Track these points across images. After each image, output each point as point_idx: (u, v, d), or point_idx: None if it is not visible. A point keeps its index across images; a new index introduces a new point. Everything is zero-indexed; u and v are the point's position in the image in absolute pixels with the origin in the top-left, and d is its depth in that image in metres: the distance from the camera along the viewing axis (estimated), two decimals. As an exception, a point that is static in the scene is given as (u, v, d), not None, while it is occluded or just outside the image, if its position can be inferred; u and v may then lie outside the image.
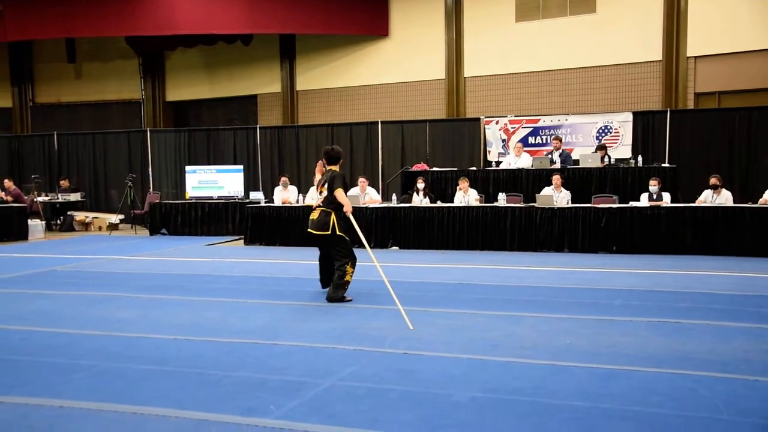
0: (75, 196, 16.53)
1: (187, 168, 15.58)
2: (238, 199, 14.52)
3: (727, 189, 10.89)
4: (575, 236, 10.77)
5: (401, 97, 17.74)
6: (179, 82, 20.71)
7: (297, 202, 12.83)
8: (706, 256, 9.98)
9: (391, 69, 17.75)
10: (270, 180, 16.38)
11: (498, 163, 13.71)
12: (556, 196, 11.26)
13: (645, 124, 13.89)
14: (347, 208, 6.90)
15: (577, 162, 12.68)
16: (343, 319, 6.11)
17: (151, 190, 17.06)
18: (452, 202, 11.93)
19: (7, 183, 15.03)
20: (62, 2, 17.37)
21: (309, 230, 7.03)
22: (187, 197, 15.00)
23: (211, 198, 14.68)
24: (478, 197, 11.85)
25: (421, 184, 12.14)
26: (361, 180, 12.55)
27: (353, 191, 12.49)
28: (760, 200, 10.46)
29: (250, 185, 15.79)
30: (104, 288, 7.91)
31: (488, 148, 14.97)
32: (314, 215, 7.00)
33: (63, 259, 10.63)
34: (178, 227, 14.38)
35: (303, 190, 13.39)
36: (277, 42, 18.97)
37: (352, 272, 6.90)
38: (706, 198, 10.78)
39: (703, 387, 4.07)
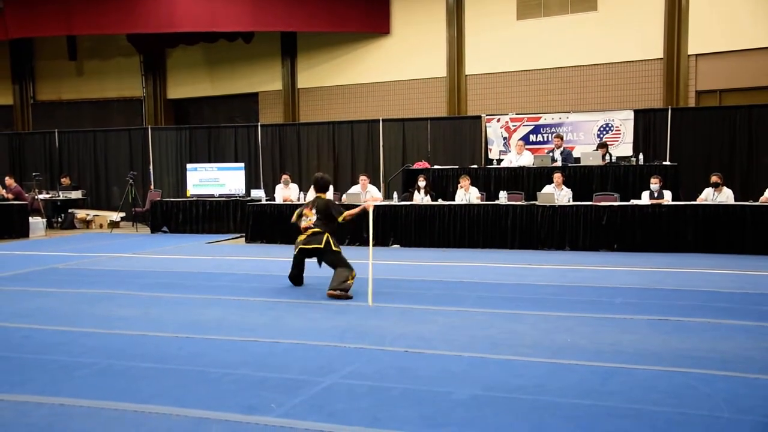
0: (76, 194, 16.54)
1: (188, 166, 15.59)
2: (240, 197, 14.53)
3: (728, 187, 10.89)
4: (576, 234, 10.77)
5: (402, 95, 17.74)
6: (180, 79, 20.71)
7: (298, 200, 12.84)
8: (707, 254, 9.98)
9: (393, 67, 17.75)
10: (271, 178, 16.39)
11: (499, 161, 13.71)
12: (558, 194, 11.26)
13: (646, 122, 13.89)
14: (366, 207, 7.51)
15: (578, 160, 12.68)
16: (343, 317, 6.12)
17: (152, 187, 17.06)
18: (453, 200, 11.93)
19: (8, 180, 15.05)
20: (63, -1, 17.40)
21: (301, 247, 7.30)
22: (188, 195, 15.00)
23: (212, 196, 14.69)
24: (479, 195, 11.85)
25: (422, 182, 12.14)
26: (362, 178, 12.55)
27: (354, 189, 12.50)
28: (761, 198, 10.45)
29: (251, 183, 15.81)
30: (105, 286, 7.91)
31: (489, 146, 14.97)
32: (303, 236, 7.33)
33: (64, 257, 10.64)
34: (179, 225, 14.39)
35: (304, 188, 13.39)
36: (279, 39, 18.97)
37: (353, 280, 7.05)
38: (707, 196, 10.78)
39: (703, 385, 4.07)
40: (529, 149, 13.53)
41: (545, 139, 14.43)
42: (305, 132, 16.79)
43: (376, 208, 11.68)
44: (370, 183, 12.67)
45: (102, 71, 21.12)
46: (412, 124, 15.84)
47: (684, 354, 4.75)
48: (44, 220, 15.07)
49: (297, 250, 7.41)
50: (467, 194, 11.80)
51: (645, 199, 10.84)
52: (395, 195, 12.27)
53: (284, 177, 13.51)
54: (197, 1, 17.30)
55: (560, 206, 10.89)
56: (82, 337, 5.47)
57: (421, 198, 12.02)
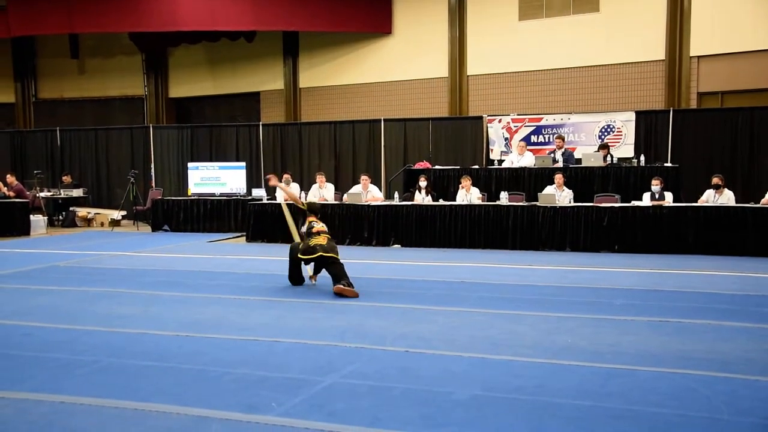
0: (77, 192, 16.53)
1: (190, 164, 15.59)
2: (241, 196, 14.53)
3: (729, 189, 10.87)
4: (577, 235, 10.76)
5: (404, 95, 17.73)
6: (182, 78, 20.71)
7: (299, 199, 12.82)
8: (708, 255, 9.97)
9: (395, 67, 17.74)
10: (272, 177, 16.36)
11: (500, 161, 13.70)
12: (559, 195, 11.25)
13: (648, 124, 13.87)
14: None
15: (579, 161, 12.67)
16: (344, 316, 6.12)
17: (153, 186, 17.06)
18: (454, 200, 11.92)
19: (10, 178, 15.05)
20: (66, -2, 17.41)
21: (322, 254, 7.30)
22: (189, 194, 15.01)
23: (213, 195, 14.69)
24: (480, 196, 11.84)
25: (423, 183, 12.14)
26: (364, 178, 12.56)
27: (355, 189, 12.50)
28: (762, 200, 10.43)
29: (252, 182, 15.79)
30: (106, 284, 7.92)
31: (491, 147, 14.96)
32: (322, 240, 7.39)
33: (65, 255, 10.64)
34: (180, 224, 14.39)
35: (305, 187, 13.39)
36: (281, 39, 18.96)
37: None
38: (709, 198, 10.77)
39: (703, 386, 4.07)
40: (530, 150, 13.52)
41: (546, 140, 14.42)
42: (307, 131, 16.78)
43: (377, 207, 11.73)
44: (371, 183, 12.67)
45: (104, 70, 21.12)
46: (413, 124, 15.83)
47: (684, 355, 4.75)
48: (45, 218, 15.07)
49: (310, 256, 7.38)
50: (468, 195, 11.79)
51: (646, 200, 10.83)
52: (396, 195, 12.27)
53: (285, 176, 13.49)
54: (199, 0, 17.30)
55: (561, 207, 10.89)
56: (82, 335, 5.48)
57: (422, 198, 12.02)
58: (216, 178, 14.96)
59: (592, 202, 11.27)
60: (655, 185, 10.87)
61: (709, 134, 13.43)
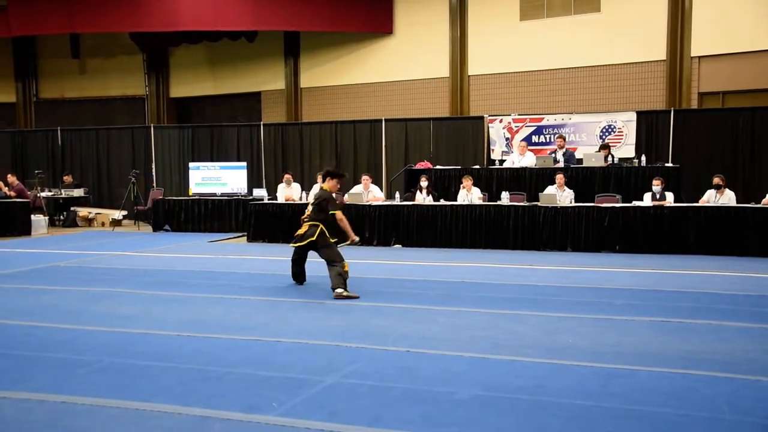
0: (78, 192, 16.54)
1: (191, 164, 15.60)
2: (242, 196, 14.54)
3: (730, 189, 10.86)
4: (578, 235, 10.76)
5: (405, 95, 17.73)
6: (183, 78, 20.72)
7: (300, 199, 12.84)
8: (709, 255, 9.97)
9: (395, 67, 17.74)
10: (273, 177, 16.37)
11: (501, 161, 13.70)
12: (560, 195, 11.25)
13: (649, 124, 13.87)
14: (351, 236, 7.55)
15: (580, 161, 12.66)
16: (345, 316, 6.12)
17: (154, 186, 17.07)
18: (455, 200, 11.92)
19: (11, 178, 15.07)
20: (67, -2, 17.42)
21: (295, 244, 7.44)
22: (190, 194, 15.01)
23: (214, 195, 14.69)
24: (481, 196, 11.84)
25: (424, 182, 12.14)
26: (365, 178, 12.56)
27: (356, 189, 12.50)
28: (763, 200, 10.43)
29: (253, 182, 15.80)
30: (107, 284, 7.93)
31: (492, 147, 14.95)
32: (301, 231, 7.41)
33: (66, 255, 10.65)
34: (181, 224, 14.39)
35: (306, 187, 13.39)
36: (282, 39, 18.96)
37: (347, 268, 7.06)
38: (710, 198, 10.76)
39: (704, 386, 4.08)
40: (531, 150, 13.51)
41: (548, 140, 14.41)
42: (308, 131, 16.78)
43: (378, 207, 11.73)
44: (372, 183, 12.67)
45: (105, 69, 21.13)
46: (414, 124, 15.82)
47: (685, 356, 4.75)
48: (46, 217, 15.08)
49: (294, 245, 7.48)
50: (469, 194, 11.79)
51: (647, 200, 10.82)
52: (397, 195, 12.27)
53: (286, 176, 13.51)
54: (200, 0, 17.30)
55: (562, 207, 10.89)
56: (83, 334, 5.49)
57: (423, 198, 12.02)
58: (217, 178, 14.97)
59: (593, 202, 11.27)
60: (656, 185, 10.87)
61: (710, 134, 13.42)
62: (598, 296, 7.04)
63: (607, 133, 14.01)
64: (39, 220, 14.57)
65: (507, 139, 14.79)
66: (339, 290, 6.85)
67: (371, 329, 5.61)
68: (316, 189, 12.69)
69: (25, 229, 13.97)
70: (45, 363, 4.68)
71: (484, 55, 16.84)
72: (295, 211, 12.25)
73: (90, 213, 16.55)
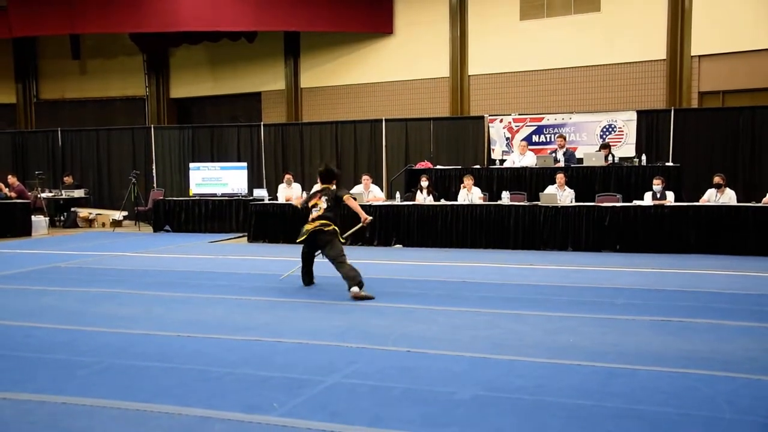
0: (78, 193, 16.55)
1: (191, 165, 15.61)
2: (242, 196, 14.54)
3: (730, 188, 10.86)
4: (579, 235, 10.76)
5: (405, 95, 17.73)
6: (183, 79, 20.73)
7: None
8: (710, 255, 9.97)
9: (396, 67, 17.75)
10: (274, 177, 16.38)
11: (502, 161, 13.70)
12: (560, 194, 11.25)
13: (649, 123, 13.87)
14: (366, 219, 7.61)
15: (581, 161, 12.66)
16: (346, 316, 6.12)
17: (154, 186, 17.07)
18: (456, 200, 11.92)
19: (11, 179, 15.08)
20: (67, -2, 17.43)
21: (301, 237, 7.30)
22: (190, 194, 15.02)
23: (214, 195, 14.70)
24: (482, 195, 11.84)
25: (424, 182, 12.14)
26: (365, 178, 12.56)
27: (357, 189, 12.50)
28: (764, 199, 10.43)
29: (253, 182, 15.80)
30: (107, 285, 7.93)
31: (492, 147, 14.96)
32: (310, 226, 7.27)
33: (66, 256, 10.65)
34: (181, 224, 14.40)
35: (307, 187, 13.39)
36: (282, 39, 18.97)
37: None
38: (710, 197, 10.76)
39: (705, 385, 4.07)
40: (531, 150, 13.52)
41: (548, 140, 14.42)
42: (308, 132, 16.78)
43: (378, 207, 11.73)
44: (372, 183, 12.68)
45: (105, 70, 21.15)
46: (414, 124, 15.83)
47: (686, 355, 4.75)
48: (47, 218, 15.08)
49: (300, 238, 7.34)
50: (470, 194, 11.79)
51: (647, 200, 10.82)
52: (398, 195, 12.27)
53: (287, 176, 13.52)
54: (200, 1, 17.31)
55: (563, 207, 10.88)
56: (84, 335, 5.49)
57: (423, 198, 12.02)
58: (217, 179, 14.97)
59: (594, 201, 11.26)
60: (657, 185, 10.87)
61: (711, 134, 13.42)
62: (599, 296, 7.03)
63: (607, 133, 14.01)
64: (39, 220, 14.58)
65: (507, 138, 14.79)
66: (355, 289, 6.81)
67: (372, 329, 5.61)
68: (316, 189, 12.76)
69: (25, 230, 13.97)
70: (45, 364, 4.68)
71: (485, 55, 16.85)
72: (295, 211, 12.26)
73: (90, 214, 16.56)
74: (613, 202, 11.10)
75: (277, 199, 13.16)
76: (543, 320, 5.87)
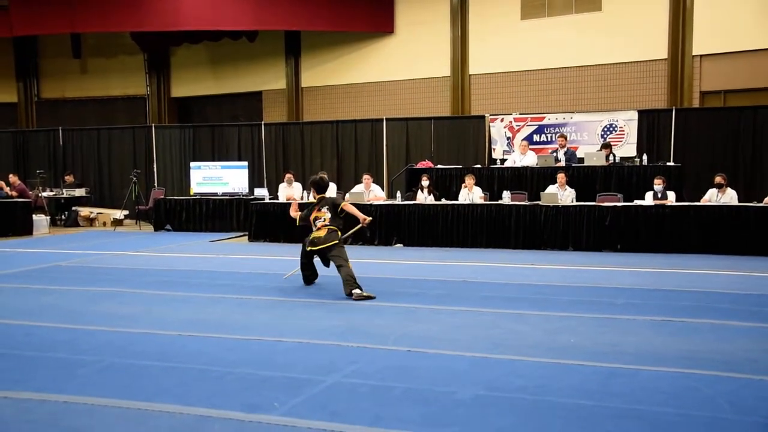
0: (79, 192, 16.56)
1: (192, 164, 15.61)
2: (243, 195, 14.54)
3: (732, 188, 10.85)
4: (580, 234, 10.75)
5: (406, 95, 17.73)
6: (184, 78, 20.74)
7: (302, 198, 12.83)
8: (711, 255, 9.95)
9: (396, 66, 17.74)
10: (274, 176, 16.39)
11: (503, 161, 13.70)
12: (561, 194, 11.24)
13: (650, 123, 13.86)
14: (366, 220, 7.55)
15: (582, 160, 12.65)
16: (346, 316, 6.12)
17: (155, 185, 17.08)
18: (456, 199, 11.92)
19: (12, 178, 15.08)
20: (68, -2, 17.44)
21: (315, 247, 7.29)
22: (191, 193, 15.02)
23: (215, 194, 14.70)
24: (483, 195, 11.84)
25: (425, 182, 12.13)
26: (366, 177, 12.55)
27: (357, 188, 12.50)
28: (765, 199, 10.41)
29: (254, 182, 15.81)
30: (108, 284, 7.93)
31: (493, 146, 14.95)
32: (321, 233, 7.30)
33: (67, 255, 10.66)
34: (182, 223, 14.40)
35: (307, 186, 13.37)
36: (282, 38, 18.98)
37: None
38: (711, 197, 10.75)
39: (705, 386, 4.07)
40: (532, 149, 13.51)
41: (549, 139, 14.41)
42: (308, 131, 16.79)
43: (379, 207, 11.72)
44: (373, 182, 12.67)
45: (106, 69, 21.15)
46: (415, 123, 15.82)
47: (686, 355, 4.74)
48: (48, 217, 15.09)
49: (311, 248, 7.34)
50: (471, 194, 11.79)
51: (648, 199, 10.81)
52: (398, 194, 12.27)
53: (287, 176, 13.52)
54: (201, 0, 17.32)
55: (564, 206, 10.88)
56: (84, 334, 5.49)
57: (424, 197, 12.01)
58: (218, 178, 14.97)
59: (595, 201, 11.25)
60: (658, 184, 10.86)
61: (712, 133, 13.42)
62: (600, 295, 7.03)
63: (608, 132, 14.00)
64: (40, 219, 14.58)
65: (508, 138, 14.78)
66: (357, 291, 6.82)
67: (372, 329, 5.61)
68: (312, 197, 12.78)
69: (26, 229, 13.97)
70: (46, 363, 4.69)
71: (485, 55, 16.84)
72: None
73: (91, 213, 16.56)
74: (614, 201, 11.09)
75: (277, 199, 13.16)
76: (543, 320, 5.86)
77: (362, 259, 9.25)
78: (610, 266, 9.09)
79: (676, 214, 10.38)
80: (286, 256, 9.69)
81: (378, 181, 14.22)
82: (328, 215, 7.39)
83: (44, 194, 15.58)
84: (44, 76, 21.90)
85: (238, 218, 14.11)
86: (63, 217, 16.46)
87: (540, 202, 11.02)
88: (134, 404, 3.82)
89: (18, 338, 5.37)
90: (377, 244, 11.67)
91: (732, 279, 8.05)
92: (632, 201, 11.00)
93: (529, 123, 14.67)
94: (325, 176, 8.16)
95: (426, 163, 13.66)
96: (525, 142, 13.48)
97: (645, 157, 12.34)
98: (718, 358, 4.66)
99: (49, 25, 18.27)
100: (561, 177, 11.41)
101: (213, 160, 16.26)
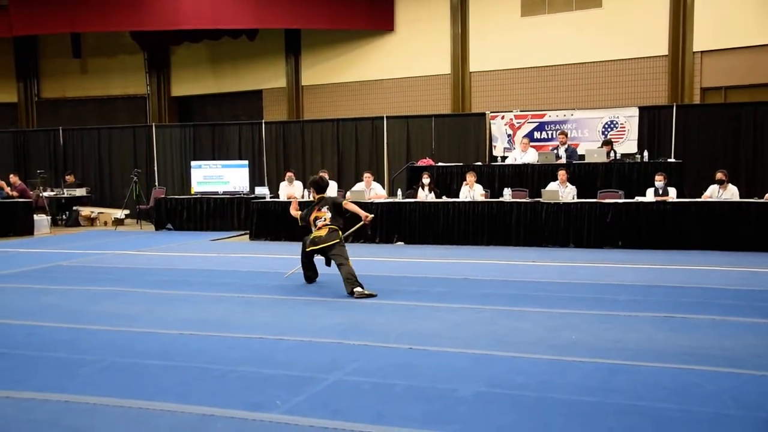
0: (80, 191, 16.56)
1: (193, 163, 15.60)
2: (244, 194, 14.54)
3: (733, 184, 10.83)
4: (581, 231, 10.74)
5: (406, 92, 17.71)
6: (184, 77, 20.73)
7: (302, 197, 12.82)
8: (712, 251, 9.94)
9: (397, 64, 17.73)
10: (275, 175, 16.38)
11: (503, 158, 13.69)
12: (562, 191, 11.23)
13: (651, 119, 13.84)
14: (367, 217, 7.61)
15: (582, 157, 12.64)
16: (347, 314, 6.12)
17: (156, 185, 17.08)
18: (457, 197, 11.91)
19: (13, 178, 15.08)
20: (68, -3, 17.43)
21: (315, 246, 7.29)
22: (192, 192, 15.02)
23: (216, 193, 14.70)
24: (484, 192, 11.83)
25: (426, 180, 12.12)
26: (367, 175, 12.55)
27: (358, 186, 12.49)
28: (766, 195, 10.40)
29: (255, 180, 15.80)
30: (110, 283, 7.93)
31: (494, 144, 14.94)
32: (322, 233, 7.29)
33: (68, 254, 10.66)
34: (183, 222, 14.40)
35: (307, 186, 13.37)
36: (282, 37, 18.96)
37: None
38: (712, 193, 10.74)
39: (708, 382, 4.06)
40: (533, 146, 13.49)
41: (550, 136, 14.40)
42: (309, 129, 16.78)
43: (380, 205, 11.72)
44: (374, 180, 12.67)
45: (106, 69, 21.14)
46: (416, 121, 15.81)
47: (689, 351, 4.73)
48: (49, 217, 15.09)
49: (312, 247, 7.33)
50: (471, 191, 11.78)
51: (650, 196, 10.80)
52: (399, 192, 12.26)
53: (288, 174, 13.51)
54: (201, -1, 17.33)
55: (565, 203, 10.87)
56: (86, 334, 5.49)
57: (425, 195, 12.00)
58: (219, 177, 14.97)
59: (596, 198, 11.25)
60: (659, 181, 10.85)
61: (713, 129, 13.40)
62: (601, 292, 7.02)
63: (609, 129, 13.99)
64: (41, 219, 14.58)
65: (509, 135, 14.77)
66: (358, 289, 6.82)
67: (373, 327, 5.61)
68: (312, 197, 12.77)
69: (27, 229, 13.97)
70: (47, 362, 4.68)
71: (486, 52, 16.83)
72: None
73: (92, 212, 16.57)
74: (615, 198, 11.08)
75: (278, 197, 13.16)
76: (545, 317, 5.86)
77: (363, 257, 9.25)
78: (611, 263, 9.08)
79: (677, 210, 10.36)
80: (287, 255, 9.68)
81: (379, 179, 14.22)
82: (329, 215, 7.39)
83: (45, 194, 15.57)
84: (44, 76, 21.89)
85: (239, 217, 14.11)
86: (64, 216, 16.47)
87: (541, 200, 11.02)
88: (136, 403, 3.81)
89: (19, 338, 5.37)
90: (378, 242, 11.67)
91: (733, 275, 8.04)
92: (633, 198, 10.99)
93: (530, 120, 14.65)
94: (325, 176, 8.18)
95: (427, 161, 13.65)
96: (526, 140, 13.47)
97: (646, 153, 12.33)
98: (720, 354, 4.66)
99: (49, 25, 18.26)
100: (562, 174, 11.39)
101: (213, 159, 16.26)
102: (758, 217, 9.99)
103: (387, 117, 16.02)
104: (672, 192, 10.83)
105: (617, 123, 13.95)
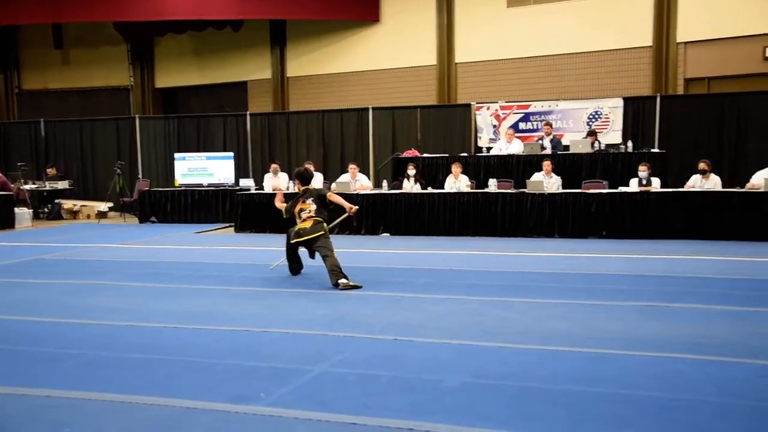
0: (63, 184, 16.40)
1: (177, 155, 15.49)
2: (228, 186, 14.46)
3: (715, 174, 10.92)
4: (565, 221, 10.78)
5: (392, 84, 17.67)
6: (168, 68, 20.54)
7: (287, 189, 12.76)
8: (695, 240, 10.03)
9: (382, 55, 17.67)
10: (260, 167, 16.30)
11: (489, 149, 13.70)
12: (547, 181, 11.26)
13: (635, 110, 13.91)
14: (352, 209, 7.61)
15: (567, 148, 12.69)
16: (332, 305, 6.10)
17: (140, 177, 16.94)
18: (443, 188, 11.91)
19: (-6, 171, 14.91)
20: (48, -13, 17.20)
21: (300, 238, 7.26)
22: (176, 185, 14.92)
23: (200, 185, 14.61)
24: (469, 183, 11.83)
25: (411, 171, 12.11)
26: (352, 166, 12.52)
27: (344, 178, 12.46)
28: (748, 185, 10.50)
29: (240, 172, 15.71)
30: (92, 276, 7.86)
31: (479, 134, 14.95)
32: (306, 225, 7.27)
33: (50, 248, 10.55)
34: (167, 215, 14.31)
35: (292, 178, 13.32)
36: (268, 28, 18.84)
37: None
38: (695, 183, 10.82)
39: (692, 370, 4.09)
40: (518, 137, 13.51)
41: (535, 127, 14.43)
42: (294, 121, 16.71)
43: (366, 196, 11.69)
44: (359, 172, 12.64)
45: (89, 60, 20.90)
46: (401, 112, 15.78)
47: (673, 339, 4.77)
48: (30, 210, 14.93)
49: (297, 239, 7.31)
50: (457, 182, 11.78)
51: (634, 186, 10.86)
52: (385, 183, 12.25)
53: (273, 166, 13.45)
54: (185, -11, 17.15)
55: (549, 194, 10.90)
56: (68, 328, 5.43)
57: (410, 186, 11.99)
58: (203, 169, 14.88)
59: (580, 188, 11.30)
60: (643, 171, 10.91)
61: (696, 120, 13.49)
62: (586, 282, 7.05)
63: (593, 120, 14.04)
64: (23, 212, 14.43)
65: (494, 126, 14.79)
66: (343, 281, 6.80)
67: (359, 318, 5.60)
68: (297, 188, 12.71)
69: (8, 223, 13.83)
70: (28, 357, 4.63)
71: (472, 43, 16.81)
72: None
73: (75, 205, 16.41)
74: (599, 188, 11.13)
75: (263, 189, 13.09)
76: (530, 307, 5.87)
77: (349, 249, 9.23)
78: (596, 253, 9.12)
79: (661, 200, 10.43)
80: (273, 247, 9.64)
81: (364, 170, 14.19)
82: (313, 207, 7.37)
83: (26, 187, 15.41)
84: (25, 67, 21.61)
85: (224, 209, 14.05)
86: (46, 209, 16.30)
87: (526, 190, 11.04)
88: (119, 397, 3.78)
89: (0, 333, 5.30)
90: (364, 234, 11.65)
91: (716, 264, 8.11)
92: (617, 188, 11.04)
93: (515, 111, 14.68)
94: (310, 167, 8.16)
95: (412, 152, 13.64)
96: (511, 130, 13.49)
97: (630, 144, 12.39)
98: (704, 342, 4.69)
99: (30, 15, 18.00)
100: (547, 164, 11.42)
101: (198, 151, 16.16)
102: (740, 206, 10.08)
103: (372, 108, 15.98)
104: (656, 182, 10.89)
105: (602, 114, 14.01)
